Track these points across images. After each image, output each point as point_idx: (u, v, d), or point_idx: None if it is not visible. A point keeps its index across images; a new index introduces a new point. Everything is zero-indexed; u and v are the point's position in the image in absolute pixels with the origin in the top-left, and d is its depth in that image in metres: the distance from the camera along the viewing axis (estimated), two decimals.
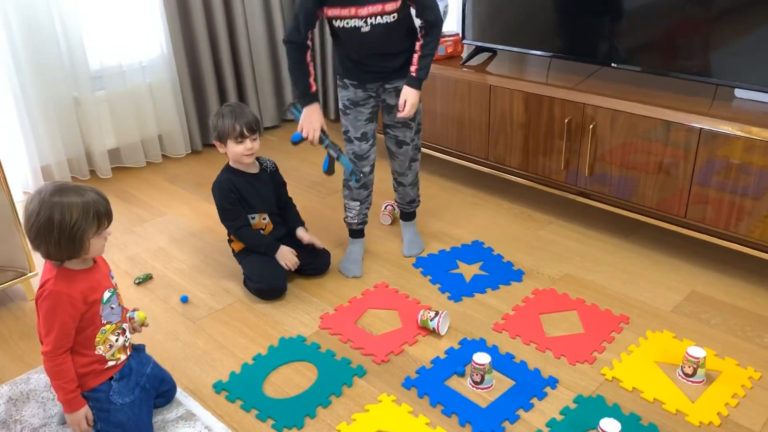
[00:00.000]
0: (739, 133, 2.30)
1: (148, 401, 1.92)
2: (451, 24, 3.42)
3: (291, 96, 4.22)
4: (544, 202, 3.11)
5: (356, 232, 2.72)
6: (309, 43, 2.34)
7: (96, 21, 3.38)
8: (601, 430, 1.76)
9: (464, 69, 3.09)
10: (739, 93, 2.50)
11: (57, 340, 1.72)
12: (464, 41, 3.20)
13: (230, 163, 2.52)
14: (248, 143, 2.43)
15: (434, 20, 2.34)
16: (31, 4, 3.15)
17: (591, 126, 2.67)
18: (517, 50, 3.08)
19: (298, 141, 2.43)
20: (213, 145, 3.92)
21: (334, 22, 2.28)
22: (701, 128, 2.38)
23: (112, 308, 1.83)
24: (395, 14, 2.25)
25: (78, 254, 1.72)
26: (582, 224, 2.95)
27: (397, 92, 2.43)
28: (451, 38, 3.20)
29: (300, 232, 2.61)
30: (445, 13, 3.28)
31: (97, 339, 1.81)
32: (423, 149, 3.41)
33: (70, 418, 1.81)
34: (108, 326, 1.83)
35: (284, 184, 2.66)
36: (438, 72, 3.15)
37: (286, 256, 2.51)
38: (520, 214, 3.08)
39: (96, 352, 1.82)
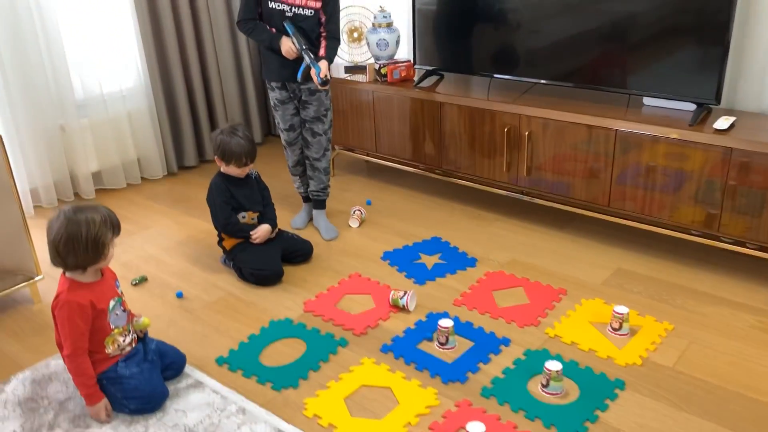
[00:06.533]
0: (647, 132, 2.78)
1: (156, 369, 2.21)
2: (403, 52, 3.88)
3: (258, 120, 4.62)
4: (490, 202, 3.56)
5: (304, 198, 3.47)
6: (257, 17, 3.01)
7: (80, 52, 3.70)
8: (546, 369, 2.16)
9: (417, 90, 3.53)
10: (647, 101, 3.01)
11: (74, 343, 2.03)
12: (416, 66, 3.66)
13: (222, 171, 2.89)
14: (246, 169, 2.89)
15: (334, 32, 3.01)
16: (20, 37, 3.45)
17: (527, 133, 3.13)
18: (460, 73, 3.57)
19: (303, 74, 2.96)
20: (187, 167, 4.30)
21: (269, 3, 2.94)
22: (617, 130, 2.86)
23: (117, 314, 2.14)
24: (313, 11, 2.95)
25: (98, 260, 2.04)
26: (524, 219, 3.40)
27: (310, 92, 3.08)
28: (404, 64, 3.64)
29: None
30: (398, 42, 3.74)
31: (106, 340, 2.12)
32: (383, 161, 3.84)
33: (91, 410, 2.10)
34: (116, 330, 2.14)
35: (266, 188, 3.04)
36: (394, 93, 3.59)
37: (287, 43, 2.93)
38: (471, 213, 3.51)
39: (106, 351, 2.12)
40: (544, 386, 2.18)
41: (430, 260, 3.05)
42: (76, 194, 3.88)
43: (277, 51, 2.97)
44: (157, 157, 4.11)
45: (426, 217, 3.48)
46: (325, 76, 2.90)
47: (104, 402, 2.10)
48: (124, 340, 2.16)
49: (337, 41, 3.05)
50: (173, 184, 4.10)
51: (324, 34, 3.01)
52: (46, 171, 3.70)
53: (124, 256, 3.19)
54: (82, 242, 1.97)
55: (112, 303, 2.12)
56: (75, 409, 2.17)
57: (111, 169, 3.97)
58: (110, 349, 2.13)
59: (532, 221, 3.38)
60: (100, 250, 2.02)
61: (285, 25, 2.92)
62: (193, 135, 4.25)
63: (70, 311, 2.02)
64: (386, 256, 3.09)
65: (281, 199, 3.64)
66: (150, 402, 2.13)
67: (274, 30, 2.98)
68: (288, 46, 2.93)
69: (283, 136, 3.27)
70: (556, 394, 2.17)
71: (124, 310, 2.18)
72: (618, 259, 3.00)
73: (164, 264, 3.13)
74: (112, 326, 2.12)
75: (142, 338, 2.27)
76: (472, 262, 3.01)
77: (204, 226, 3.36)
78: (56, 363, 2.39)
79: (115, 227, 2.08)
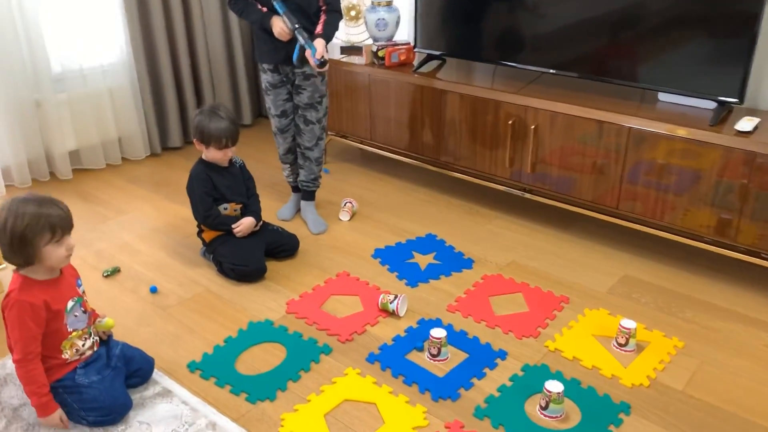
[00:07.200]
0: (663, 131, 2.58)
1: (119, 377, 2.01)
2: (403, 34, 3.65)
3: (248, 100, 4.38)
4: (490, 198, 3.35)
5: (293, 188, 3.25)
6: None
7: (58, 23, 3.45)
8: (546, 390, 1.97)
9: (416, 75, 3.31)
10: (662, 96, 2.79)
11: (25, 347, 1.82)
12: (416, 49, 3.43)
13: (203, 158, 2.67)
14: (228, 152, 2.65)
15: (334, 4, 2.79)
16: None
17: (533, 127, 2.92)
18: (464, 59, 3.33)
19: (299, 57, 2.73)
20: (172, 148, 4.07)
21: None
22: (630, 127, 2.65)
23: (75, 316, 1.93)
24: None
25: (32, 260, 1.82)
26: (525, 218, 3.20)
27: (305, 76, 2.86)
28: (404, 46, 3.41)
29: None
30: (397, 23, 3.51)
31: (63, 344, 1.91)
32: (377, 150, 3.62)
33: (44, 421, 1.90)
34: (75, 333, 1.93)
35: (251, 178, 2.82)
36: (392, 77, 3.36)
37: (278, 23, 2.68)
38: (469, 209, 3.30)
39: (63, 356, 1.92)
40: (543, 408, 2.00)
41: (423, 260, 2.85)
42: (52, 174, 3.66)
43: (270, 32, 2.74)
44: (140, 136, 3.88)
45: (421, 213, 3.28)
46: (322, 57, 2.66)
47: (59, 413, 1.90)
48: (83, 344, 1.97)
49: (339, 14, 2.82)
50: (156, 165, 3.88)
51: (324, 8, 2.77)
52: (20, 149, 3.47)
53: (98, 244, 2.98)
54: (7, 237, 1.77)
55: (70, 303, 1.92)
56: (30, 417, 1.98)
57: (90, 147, 3.74)
58: (68, 354, 1.93)
59: (533, 220, 3.18)
60: (29, 251, 1.79)
61: (274, 3, 2.67)
62: (179, 114, 4.02)
63: (20, 312, 1.82)
64: (377, 253, 2.89)
65: (268, 186, 3.44)
66: (110, 414, 1.93)
67: (265, 9, 2.75)
68: (280, 26, 2.69)
69: (275, 123, 3.04)
70: (556, 417, 1.98)
71: (85, 312, 1.98)
72: (625, 265, 2.81)
73: (139, 254, 2.92)
74: (70, 329, 1.92)
75: (106, 341, 2.07)
76: (469, 264, 2.81)
77: (185, 213, 3.14)
78: (12, 364, 2.19)
79: (55, 229, 1.81)
